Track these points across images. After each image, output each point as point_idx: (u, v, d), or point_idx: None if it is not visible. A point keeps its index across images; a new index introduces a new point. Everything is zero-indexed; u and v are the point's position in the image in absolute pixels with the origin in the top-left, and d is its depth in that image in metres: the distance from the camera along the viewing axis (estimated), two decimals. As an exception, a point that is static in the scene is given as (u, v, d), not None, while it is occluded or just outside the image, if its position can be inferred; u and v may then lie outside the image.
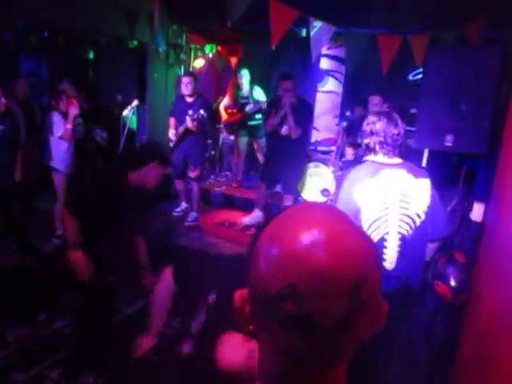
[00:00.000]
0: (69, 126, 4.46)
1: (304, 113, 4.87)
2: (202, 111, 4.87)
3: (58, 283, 3.88)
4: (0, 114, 3.99)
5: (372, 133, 2.28)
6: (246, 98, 5.98)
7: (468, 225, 3.17)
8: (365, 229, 2.20)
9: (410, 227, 2.24)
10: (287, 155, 4.83)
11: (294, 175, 5.09)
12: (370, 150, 2.33)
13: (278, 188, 5.51)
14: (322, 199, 5.29)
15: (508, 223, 2.13)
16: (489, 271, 2.38)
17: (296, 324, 0.53)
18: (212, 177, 6.66)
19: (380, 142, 2.27)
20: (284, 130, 4.80)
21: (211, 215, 5.43)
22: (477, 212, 2.96)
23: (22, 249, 4.33)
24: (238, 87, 5.94)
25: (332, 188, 5.38)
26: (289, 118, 4.70)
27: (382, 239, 2.23)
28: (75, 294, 3.03)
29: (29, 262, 4.16)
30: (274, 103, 5.03)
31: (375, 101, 4.56)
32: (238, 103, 5.99)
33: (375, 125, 2.27)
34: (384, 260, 2.24)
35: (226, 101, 6.15)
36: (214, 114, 5.62)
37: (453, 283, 2.61)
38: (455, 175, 3.45)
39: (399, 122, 2.29)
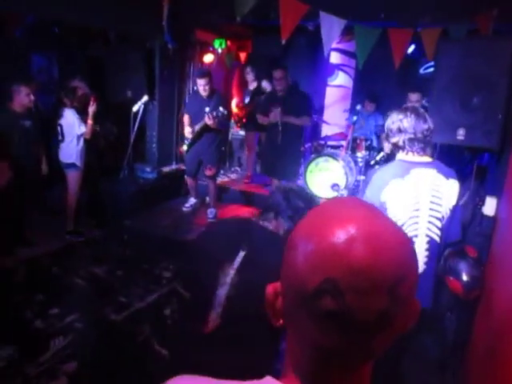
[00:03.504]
0: (90, 122, 4.51)
1: (298, 103, 4.86)
2: (221, 108, 4.77)
3: (69, 278, 3.94)
4: (27, 110, 4.09)
5: (400, 130, 2.17)
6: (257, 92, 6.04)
7: (480, 220, 3.14)
8: None
9: (439, 230, 2.16)
10: (285, 144, 4.85)
11: (291, 164, 5.10)
12: (398, 148, 2.22)
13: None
14: (331, 194, 5.28)
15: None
16: (501, 266, 2.36)
17: (334, 320, 0.52)
18: (222, 172, 6.68)
19: (410, 140, 2.15)
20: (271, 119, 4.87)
21: (222, 210, 5.44)
22: (489, 206, 2.92)
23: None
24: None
25: (342, 183, 5.37)
26: (288, 121, 4.78)
27: None
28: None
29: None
30: (268, 98, 5.24)
31: (414, 98, 4.43)
32: (247, 97, 6.10)
33: (403, 122, 2.16)
34: None
35: (237, 98, 6.29)
36: (229, 111, 5.65)
37: (464, 278, 2.58)
38: (466, 170, 3.42)
39: (427, 117, 2.18)
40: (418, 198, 2.13)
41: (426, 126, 2.16)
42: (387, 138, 2.27)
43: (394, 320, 0.54)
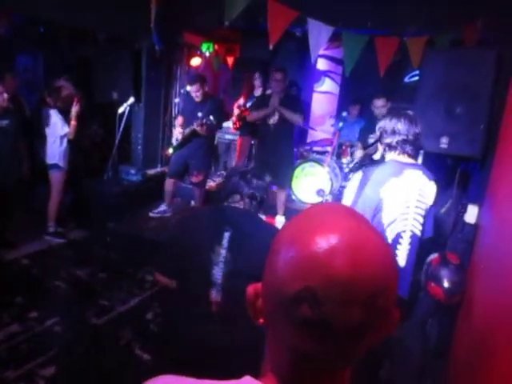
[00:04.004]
0: (73, 123, 4.46)
1: (292, 104, 4.89)
2: (211, 117, 4.67)
3: (49, 281, 3.87)
4: (3, 109, 4.00)
5: (394, 132, 2.33)
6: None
7: (462, 227, 3.18)
8: (384, 225, 2.32)
9: (421, 226, 2.34)
10: (276, 147, 4.84)
11: (284, 168, 5.07)
12: (391, 148, 2.38)
13: (274, 188, 5.49)
14: (317, 199, 5.31)
15: (501, 225, 2.14)
16: (482, 273, 2.39)
17: (310, 328, 0.53)
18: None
19: (403, 141, 2.33)
20: (272, 120, 4.82)
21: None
22: (471, 214, 2.97)
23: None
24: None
25: (327, 188, 5.40)
26: (283, 112, 4.77)
27: (398, 236, 2.33)
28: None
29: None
30: (263, 98, 5.25)
31: (379, 103, 4.56)
32: (249, 102, 6.07)
33: (397, 124, 2.33)
34: (397, 256, 2.34)
35: (241, 100, 6.25)
36: (223, 115, 5.54)
37: (446, 284, 2.62)
38: (449, 178, 3.46)
39: (418, 122, 2.36)
40: (408, 197, 2.30)
41: (417, 130, 2.34)
42: (381, 138, 2.42)
43: (371, 330, 0.54)
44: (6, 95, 3.97)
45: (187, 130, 4.88)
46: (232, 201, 1.89)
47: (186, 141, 4.98)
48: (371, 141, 4.66)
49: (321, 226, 0.55)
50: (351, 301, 0.51)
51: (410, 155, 2.37)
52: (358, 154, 4.84)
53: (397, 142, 2.34)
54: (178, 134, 5.00)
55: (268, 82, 6.04)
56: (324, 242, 0.52)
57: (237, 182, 1.89)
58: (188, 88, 4.92)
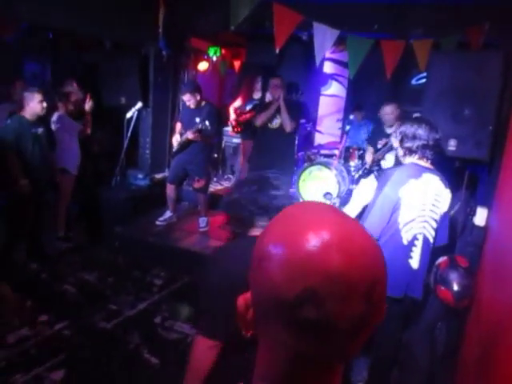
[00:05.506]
0: (88, 118, 4.57)
1: (294, 109, 4.87)
2: (207, 122, 4.62)
3: (58, 285, 3.90)
4: (39, 117, 4.03)
5: (415, 137, 2.42)
6: (258, 101, 6.03)
7: (470, 230, 3.16)
8: (400, 225, 2.39)
9: (434, 231, 2.43)
10: (277, 150, 4.81)
11: (283, 172, 5.04)
12: (411, 153, 2.46)
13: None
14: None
15: (510, 228, 2.13)
16: (491, 276, 2.37)
17: (313, 328, 0.52)
18: (215, 179, 6.66)
19: (423, 146, 2.41)
20: (275, 124, 4.81)
21: (213, 218, 5.42)
22: (480, 216, 2.96)
23: (30, 249, 4.32)
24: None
25: (335, 191, 5.39)
26: (283, 110, 4.71)
27: (414, 238, 2.40)
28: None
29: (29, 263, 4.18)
30: (266, 103, 5.22)
31: (388, 110, 4.49)
32: (249, 105, 6.05)
33: (418, 130, 2.41)
34: (411, 258, 2.41)
35: (238, 102, 6.20)
36: (221, 120, 5.49)
37: (455, 288, 2.60)
38: (458, 180, 3.45)
39: (438, 128, 2.46)
40: (425, 200, 2.39)
41: (437, 136, 2.43)
42: (401, 142, 2.48)
43: (369, 323, 0.54)
44: (45, 104, 3.98)
45: (183, 137, 4.82)
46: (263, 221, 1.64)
47: (183, 147, 4.91)
48: (379, 146, 4.64)
49: (307, 224, 0.55)
50: (351, 295, 0.51)
51: (429, 160, 2.45)
52: (368, 158, 4.81)
53: (417, 147, 2.42)
54: (174, 140, 4.95)
55: (267, 86, 6.05)
56: (316, 239, 0.52)
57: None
58: (183, 98, 4.86)
